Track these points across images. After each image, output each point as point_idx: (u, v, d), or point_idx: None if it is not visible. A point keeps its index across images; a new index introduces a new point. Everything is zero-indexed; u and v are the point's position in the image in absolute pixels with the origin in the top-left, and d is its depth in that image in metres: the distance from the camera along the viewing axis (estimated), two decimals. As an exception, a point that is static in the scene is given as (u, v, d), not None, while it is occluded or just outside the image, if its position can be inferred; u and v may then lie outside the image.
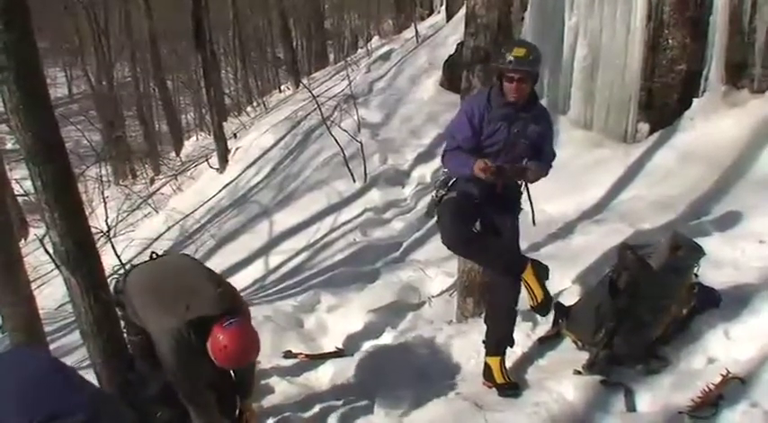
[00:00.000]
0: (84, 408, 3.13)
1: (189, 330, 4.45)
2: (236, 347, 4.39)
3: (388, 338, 6.44)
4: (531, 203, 5.16)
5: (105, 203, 14.98)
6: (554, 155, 5.06)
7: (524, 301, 4.95)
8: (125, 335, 5.25)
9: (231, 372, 5.05)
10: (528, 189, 5.12)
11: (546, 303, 4.91)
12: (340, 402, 5.47)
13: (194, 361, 4.59)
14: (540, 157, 4.91)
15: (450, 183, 5.02)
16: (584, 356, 4.81)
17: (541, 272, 4.88)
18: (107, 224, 11.75)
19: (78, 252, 5.04)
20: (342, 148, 12.12)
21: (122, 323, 5.26)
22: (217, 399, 4.96)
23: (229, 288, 4.86)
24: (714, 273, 5.17)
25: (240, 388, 5.09)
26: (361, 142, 12.09)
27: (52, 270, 10.90)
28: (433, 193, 5.19)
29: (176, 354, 4.50)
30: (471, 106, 4.93)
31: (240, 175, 15.81)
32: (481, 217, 5.05)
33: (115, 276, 5.52)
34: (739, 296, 4.87)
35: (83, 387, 3.43)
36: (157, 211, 17.23)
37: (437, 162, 10.32)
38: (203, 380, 4.74)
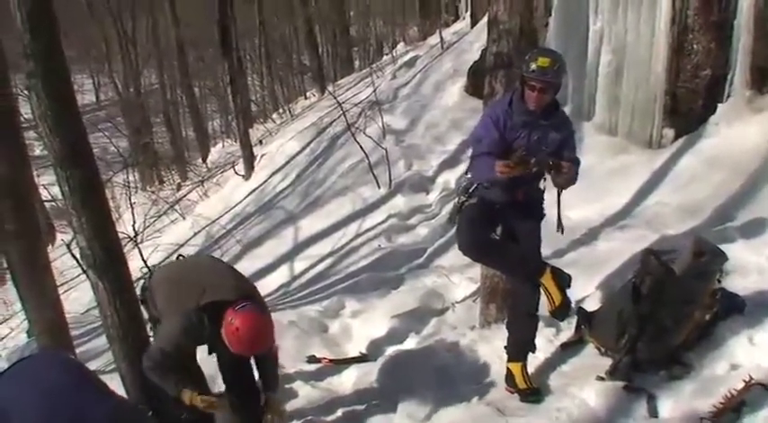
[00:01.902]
0: None
1: (202, 315, 4.50)
2: (248, 331, 4.39)
3: (411, 344, 6.46)
4: (559, 210, 5.10)
5: (132, 209, 15.08)
6: (579, 162, 5.00)
7: (545, 307, 4.95)
8: (151, 338, 5.31)
9: (253, 365, 5.10)
10: (559, 196, 5.07)
11: (564, 307, 4.87)
12: (363, 407, 5.51)
13: (190, 348, 4.70)
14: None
15: (472, 189, 5.02)
16: (607, 362, 4.80)
17: (562, 278, 4.86)
18: (134, 229, 11.83)
19: (105, 256, 5.09)
20: (367, 155, 12.15)
21: (149, 326, 5.33)
22: (237, 393, 5.02)
23: (247, 282, 4.97)
24: (738, 279, 5.16)
25: (263, 381, 5.09)
26: (385, 149, 12.12)
27: (79, 275, 11.04)
28: (455, 200, 5.20)
29: (182, 334, 4.58)
30: (494, 111, 4.93)
31: (266, 181, 15.89)
32: (502, 223, 5.05)
33: (142, 278, 5.58)
34: (763, 302, 4.85)
35: (104, 401, 3.46)
36: (184, 217, 17.35)
37: (462, 168, 10.30)
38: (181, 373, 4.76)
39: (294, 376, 6.15)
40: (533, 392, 4.90)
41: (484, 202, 4.95)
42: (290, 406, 5.69)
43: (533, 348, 5.13)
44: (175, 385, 4.67)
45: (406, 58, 20.44)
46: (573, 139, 5.04)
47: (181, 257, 5.44)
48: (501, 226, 5.08)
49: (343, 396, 5.81)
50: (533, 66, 4.61)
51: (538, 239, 5.05)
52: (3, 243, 6.84)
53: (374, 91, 15.08)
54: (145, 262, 9.96)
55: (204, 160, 25.19)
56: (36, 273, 6.63)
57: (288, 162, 15.96)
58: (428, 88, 15.83)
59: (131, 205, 15.78)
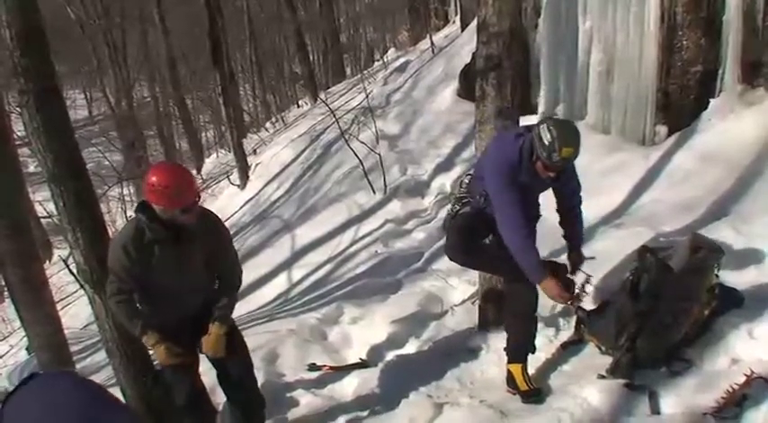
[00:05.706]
0: None
1: (134, 217, 4.47)
2: (162, 175, 4.32)
3: (411, 348, 6.44)
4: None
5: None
6: (580, 187, 5.13)
7: (544, 307, 4.96)
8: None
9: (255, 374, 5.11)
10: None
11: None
12: (365, 413, 5.50)
13: (143, 261, 4.52)
14: (569, 196, 5.08)
15: (465, 200, 5.05)
16: (607, 361, 4.81)
17: (559, 272, 4.90)
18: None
19: (101, 271, 5.08)
20: (361, 161, 12.16)
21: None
22: (241, 403, 5.00)
23: None
24: (736, 273, 5.16)
25: (218, 306, 4.99)
26: (379, 154, 12.11)
27: (77, 290, 11.01)
28: (449, 208, 5.22)
29: (125, 241, 4.47)
30: (503, 162, 4.76)
31: (261, 190, 15.88)
32: (495, 230, 5.02)
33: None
34: (762, 296, 4.86)
35: (120, 412, 3.50)
36: (180, 229, 17.27)
37: (456, 172, 10.39)
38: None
39: (295, 385, 6.14)
40: (535, 393, 4.92)
41: (477, 211, 4.96)
42: (292, 415, 5.70)
43: (533, 349, 5.14)
44: (138, 322, 4.65)
45: (398, 63, 20.41)
46: (575, 169, 5.02)
47: None
48: (493, 232, 5.06)
49: (345, 403, 5.79)
50: (556, 157, 4.47)
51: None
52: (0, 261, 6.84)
53: (366, 97, 15.04)
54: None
55: (199, 171, 25.14)
56: (34, 290, 6.63)
57: (282, 170, 15.94)
58: (420, 93, 15.79)
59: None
